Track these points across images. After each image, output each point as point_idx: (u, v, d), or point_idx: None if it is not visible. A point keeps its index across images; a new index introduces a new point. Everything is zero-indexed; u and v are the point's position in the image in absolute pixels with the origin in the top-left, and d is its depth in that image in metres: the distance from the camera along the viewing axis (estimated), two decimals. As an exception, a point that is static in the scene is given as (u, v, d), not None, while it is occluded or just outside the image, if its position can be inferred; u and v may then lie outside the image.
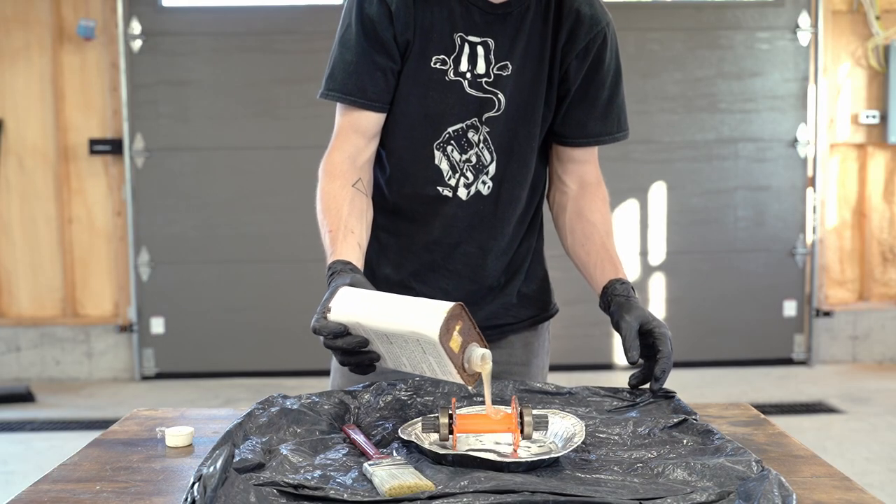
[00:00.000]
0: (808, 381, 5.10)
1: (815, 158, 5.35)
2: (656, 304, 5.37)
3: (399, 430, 1.21)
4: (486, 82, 1.50)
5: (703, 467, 1.07)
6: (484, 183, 1.54)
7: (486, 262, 1.59)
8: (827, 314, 5.41)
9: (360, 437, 1.22)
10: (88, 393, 5.05)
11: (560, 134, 1.58)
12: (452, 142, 1.52)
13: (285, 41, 5.13)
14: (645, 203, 5.33)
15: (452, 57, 1.49)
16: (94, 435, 1.37)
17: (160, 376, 5.29)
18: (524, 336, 1.67)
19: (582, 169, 1.61)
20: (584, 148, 1.59)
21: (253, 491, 1.00)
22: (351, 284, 1.30)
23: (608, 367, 5.35)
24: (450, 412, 1.17)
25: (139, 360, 5.29)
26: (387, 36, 1.46)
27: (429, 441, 1.18)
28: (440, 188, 1.54)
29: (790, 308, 5.43)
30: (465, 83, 1.49)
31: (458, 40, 1.48)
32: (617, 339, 5.58)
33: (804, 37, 5.29)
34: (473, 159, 1.53)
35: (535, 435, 1.22)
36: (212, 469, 0.99)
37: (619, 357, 5.39)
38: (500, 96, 1.50)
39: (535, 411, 1.21)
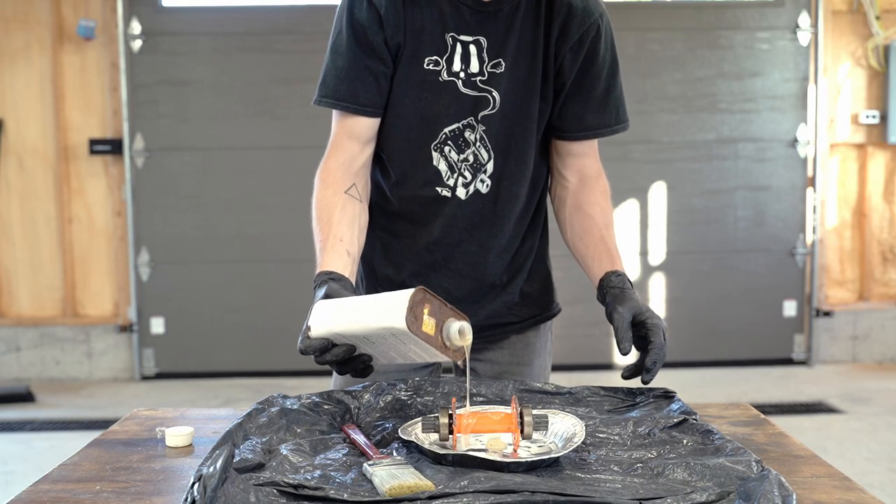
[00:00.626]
0: (808, 381, 5.10)
1: (815, 158, 5.35)
2: (656, 304, 5.37)
3: (399, 430, 1.21)
4: (480, 81, 1.50)
5: (703, 467, 1.07)
6: (482, 181, 1.54)
7: (488, 260, 1.59)
8: (827, 314, 5.41)
9: (360, 437, 1.22)
10: (88, 393, 5.05)
11: (558, 128, 1.58)
12: (450, 142, 1.52)
13: (285, 41, 5.13)
14: (645, 203, 5.33)
15: (445, 57, 1.49)
16: (94, 435, 1.37)
17: (160, 376, 5.29)
18: (526, 336, 1.67)
19: (581, 162, 1.60)
20: (582, 141, 1.58)
21: (253, 491, 1.00)
22: (327, 295, 1.32)
23: (608, 367, 5.35)
24: (450, 412, 1.17)
25: (139, 360, 5.29)
26: (377, 40, 1.47)
27: (429, 441, 1.18)
28: (439, 189, 1.54)
29: (790, 308, 5.43)
30: (460, 83, 1.50)
31: (449, 40, 1.49)
32: (617, 339, 5.57)
33: (804, 37, 5.29)
34: (471, 158, 1.53)
35: (535, 435, 1.22)
36: (212, 469, 0.99)
37: (619, 357, 5.39)
38: (495, 94, 1.50)
39: (535, 411, 1.21)
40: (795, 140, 5.34)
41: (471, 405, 1.33)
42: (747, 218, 5.38)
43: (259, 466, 1.09)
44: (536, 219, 1.64)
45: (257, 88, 5.18)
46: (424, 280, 1.58)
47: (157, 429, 1.33)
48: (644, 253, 5.36)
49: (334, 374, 1.64)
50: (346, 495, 1.01)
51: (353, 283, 1.43)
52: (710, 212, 5.36)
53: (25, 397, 4.83)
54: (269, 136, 5.18)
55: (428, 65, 1.49)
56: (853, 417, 4.38)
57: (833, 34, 5.31)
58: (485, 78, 1.50)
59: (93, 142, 5.16)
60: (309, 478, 1.06)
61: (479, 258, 1.58)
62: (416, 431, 1.20)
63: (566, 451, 1.14)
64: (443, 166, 1.53)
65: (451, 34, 1.48)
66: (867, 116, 5.33)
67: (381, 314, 1.18)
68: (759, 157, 5.35)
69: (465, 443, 1.19)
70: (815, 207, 5.38)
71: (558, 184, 1.63)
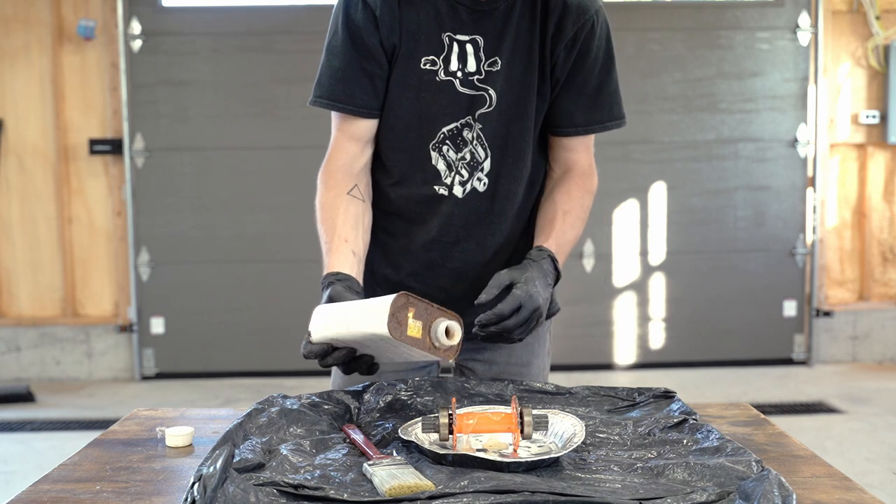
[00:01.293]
0: (808, 381, 5.10)
1: (815, 158, 5.35)
2: (656, 303, 5.37)
3: (399, 430, 1.21)
4: (477, 79, 1.50)
5: (703, 467, 1.07)
6: (479, 180, 1.55)
7: (486, 259, 1.59)
8: (827, 314, 5.41)
9: (359, 437, 1.22)
10: (88, 393, 5.05)
11: (550, 124, 1.58)
12: (448, 141, 1.53)
13: (285, 41, 5.13)
14: (645, 203, 5.33)
15: (442, 57, 1.49)
16: (94, 435, 1.37)
17: (160, 376, 5.29)
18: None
19: (570, 157, 1.59)
20: (573, 137, 1.58)
21: (253, 491, 1.00)
22: (330, 298, 1.35)
23: (608, 367, 5.35)
24: (450, 412, 1.17)
25: (139, 360, 5.29)
26: (373, 42, 1.48)
27: (429, 441, 1.18)
28: (437, 187, 1.55)
29: (790, 308, 5.43)
30: (457, 82, 1.50)
31: (446, 40, 1.49)
32: (617, 338, 5.60)
33: (804, 37, 5.29)
34: (468, 157, 1.54)
35: (535, 435, 1.22)
36: (212, 469, 0.99)
37: (620, 357, 5.39)
38: (492, 92, 1.51)
39: (534, 411, 1.21)
40: (795, 140, 5.34)
41: (470, 405, 1.33)
42: (747, 218, 5.37)
43: (259, 466, 1.09)
44: (534, 217, 1.64)
45: (257, 88, 5.18)
46: (423, 279, 1.58)
47: (157, 429, 1.33)
48: (644, 253, 5.36)
49: (333, 373, 1.64)
50: (346, 495, 1.01)
51: (360, 283, 1.43)
52: (710, 212, 5.36)
53: (25, 397, 4.83)
54: (269, 136, 5.17)
55: (425, 65, 1.49)
56: (853, 417, 4.38)
57: (833, 34, 5.31)
58: (482, 76, 1.50)
59: (93, 142, 5.16)
60: (309, 478, 1.06)
61: (477, 256, 1.58)
62: (416, 431, 1.20)
63: (566, 451, 1.14)
64: (441, 165, 1.54)
65: (448, 33, 1.49)
66: (867, 116, 5.33)
67: (366, 321, 1.20)
68: (759, 157, 5.35)
69: (465, 443, 1.19)
70: (815, 207, 5.38)
71: (548, 176, 1.64)
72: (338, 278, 1.40)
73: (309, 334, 1.29)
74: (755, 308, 5.39)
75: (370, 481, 1.07)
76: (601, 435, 1.25)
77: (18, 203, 5.22)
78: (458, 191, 1.55)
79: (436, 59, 1.49)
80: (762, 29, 5.30)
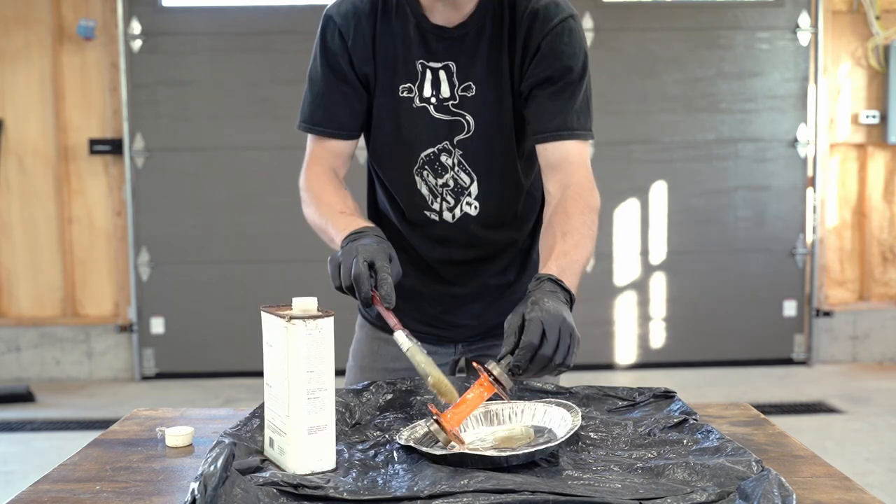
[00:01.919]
0: (808, 381, 5.10)
1: (815, 158, 5.35)
2: (657, 303, 5.38)
3: (396, 437, 1.21)
4: (452, 105, 1.51)
5: (703, 467, 1.07)
6: (469, 204, 1.56)
7: (493, 269, 1.62)
8: (827, 314, 5.41)
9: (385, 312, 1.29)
10: (88, 393, 5.05)
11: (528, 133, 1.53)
12: (427, 167, 1.54)
13: (285, 41, 5.13)
14: (645, 203, 5.33)
15: (417, 84, 1.51)
16: (94, 435, 1.37)
17: (160, 376, 5.29)
18: None
19: (561, 175, 1.48)
20: (554, 143, 1.47)
21: (253, 491, 1.00)
22: (368, 245, 1.33)
23: (608, 366, 5.35)
24: (435, 418, 1.17)
25: (139, 360, 5.29)
26: (347, 68, 1.51)
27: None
28: (427, 212, 1.57)
29: (790, 308, 5.43)
30: (431, 108, 1.51)
31: (419, 67, 1.50)
32: (617, 338, 5.59)
33: (804, 37, 5.29)
34: (451, 183, 1.54)
35: (532, 420, 1.23)
36: (212, 468, 0.99)
37: (620, 357, 5.39)
38: (469, 118, 1.51)
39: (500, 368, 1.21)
40: (795, 140, 5.34)
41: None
42: (747, 218, 5.37)
43: (259, 467, 1.10)
44: (542, 218, 1.63)
45: (257, 88, 5.18)
46: (432, 289, 1.61)
47: (157, 429, 1.33)
48: (644, 253, 5.36)
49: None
50: (345, 495, 1.01)
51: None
52: (710, 212, 5.36)
53: (25, 397, 4.83)
54: (269, 136, 5.17)
55: (402, 92, 1.51)
56: (853, 417, 4.38)
57: (833, 34, 5.31)
58: (456, 102, 1.50)
59: (93, 142, 5.16)
60: (309, 478, 1.06)
61: (482, 267, 1.62)
62: (413, 437, 1.20)
63: (565, 437, 1.14)
64: (425, 190, 1.56)
65: (421, 61, 1.50)
66: (867, 116, 5.33)
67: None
68: (759, 157, 5.35)
69: (472, 435, 1.20)
70: (815, 207, 5.38)
71: (547, 203, 1.53)
72: (362, 232, 1.38)
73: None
74: (755, 308, 5.39)
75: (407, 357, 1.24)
76: (601, 435, 1.25)
77: (18, 203, 5.22)
78: (447, 216, 1.57)
79: (412, 86, 1.51)
80: (762, 29, 5.30)
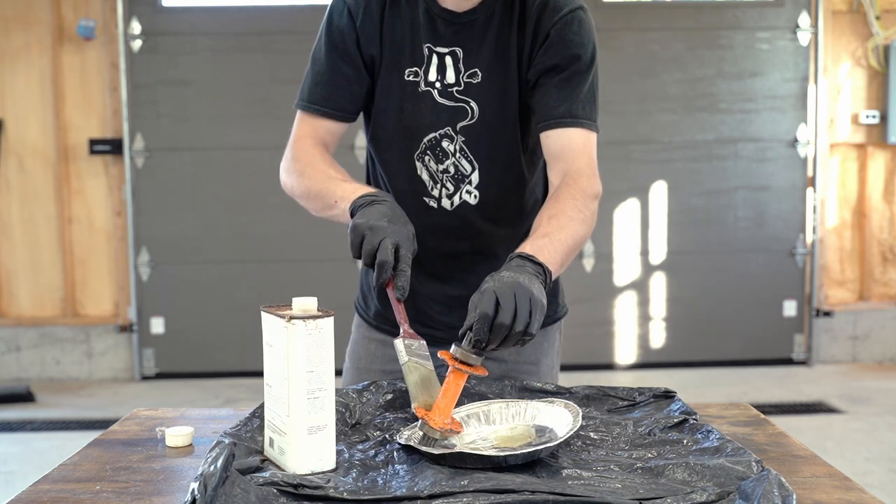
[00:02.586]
0: (808, 381, 5.10)
1: (815, 158, 5.35)
2: (657, 303, 5.37)
3: (396, 436, 1.21)
4: (457, 91, 1.50)
5: (703, 467, 1.07)
6: (469, 192, 1.55)
7: (492, 267, 1.59)
8: (827, 314, 5.41)
9: (397, 306, 1.31)
10: (88, 393, 5.05)
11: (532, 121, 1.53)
12: (428, 152, 1.53)
13: (285, 41, 5.13)
14: (645, 203, 5.33)
15: (423, 68, 1.50)
16: (94, 435, 1.37)
17: (160, 376, 5.29)
18: None
19: (563, 164, 1.47)
20: (556, 130, 1.46)
21: (253, 491, 1.00)
22: (385, 212, 1.32)
23: (609, 366, 5.35)
24: (423, 420, 1.17)
25: (139, 360, 5.29)
26: (353, 48, 1.50)
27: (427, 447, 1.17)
28: (426, 199, 1.56)
29: (790, 308, 5.43)
30: (435, 93, 1.50)
31: (426, 51, 1.50)
32: (617, 338, 5.59)
33: (804, 37, 5.29)
34: (451, 170, 1.53)
35: (534, 420, 1.23)
36: (212, 468, 0.99)
37: (620, 357, 5.39)
38: (473, 105, 1.50)
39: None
40: (795, 140, 5.34)
41: (470, 403, 1.33)
42: (747, 218, 5.38)
43: (259, 467, 1.10)
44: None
45: (257, 88, 5.18)
46: (428, 288, 1.58)
47: (157, 429, 1.33)
48: (644, 252, 5.36)
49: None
50: (345, 495, 1.01)
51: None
52: (710, 212, 5.36)
53: (25, 397, 4.83)
54: (269, 136, 5.17)
55: (408, 76, 1.51)
56: (853, 417, 4.38)
57: (833, 34, 5.31)
58: (461, 88, 1.50)
59: (93, 142, 5.17)
60: (309, 477, 1.06)
61: (482, 264, 1.58)
62: (413, 437, 1.20)
63: (566, 437, 1.14)
64: (425, 176, 1.54)
65: (428, 45, 1.50)
66: (867, 116, 5.33)
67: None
68: (759, 157, 5.35)
69: (474, 434, 1.20)
70: (815, 207, 5.38)
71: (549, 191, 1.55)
72: (374, 197, 1.36)
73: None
74: (755, 308, 5.39)
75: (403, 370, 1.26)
76: (601, 435, 1.25)
77: (18, 203, 5.22)
78: (446, 203, 1.55)
79: (418, 70, 1.50)
80: (762, 29, 5.30)
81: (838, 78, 5.34)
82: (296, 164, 1.54)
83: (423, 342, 1.33)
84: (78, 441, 3.73)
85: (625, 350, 5.38)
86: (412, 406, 1.24)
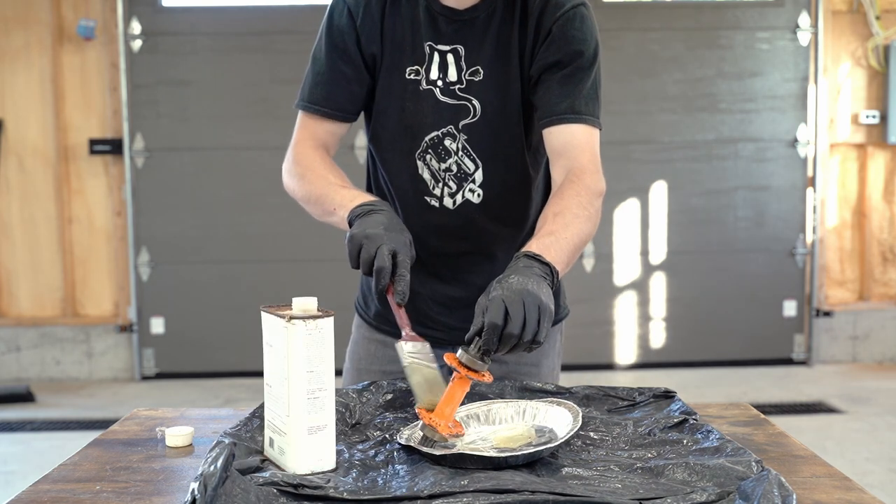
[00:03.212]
0: (808, 381, 5.10)
1: (815, 158, 5.35)
2: (657, 303, 5.37)
3: (396, 436, 1.21)
4: (459, 89, 1.49)
5: (703, 467, 1.07)
6: (472, 191, 1.54)
7: (495, 267, 1.58)
8: (827, 314, 5.41)
9: (399, 310, 1.32)
10: (88, 393, 5.05)
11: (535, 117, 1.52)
12: (430, 150, 1.53)
13: (285, 41, 5.13)
14: (645, 203, 5.33)
15: (424, 66, 1.50)
16: (94, 435, 1.37)
17: (160, 376, 5.29)
18: None
19: (565, 161, 1.46)
20: (558, 126, 1.45)
21: (253, 491, 1.00)
22: (383, 220, 1.33)
23: (609, 366, 5.35)
24: (430, 427, 1.17)
25: (139, 360, 5.29)
26: (353, 48, 1.50)
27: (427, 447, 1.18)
28: (427, 198, 1.55)
29: (790, 308, 5.43)
30: (437, 91, 1.50)
31: (427, 49, 1.49)
32: (617, 338, 5.59)
33: (804, 37, 5.29)
34: (454, 168, 1.53)
35: (534, 420, 1.23)
36: (212, 468, 0.99)
37: (620, 357, 5.39)
38: (475, 102, 1.50)
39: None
40: (795, 140, 5.34)
41: (469, 402, 1.33)
42: (747, 218, 5.38)
43: (259, 467, 1.10)
44: None
45: (257, 88, 5.18)
46: (428, 289, 1.58)
47: (157, 429, 1.33)
48: (644, 252, 5.36)
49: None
50: (345, 495, 1.01)
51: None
52: (710, 212, 5.36)
53: (25, 397, 4.83)
54: (269, 136, 5.17)
55: (409, 74, 1.50)
56: (853, 417, 4.38)
57: (833, 34, 5.31)
58: (463, 86, 1.49)
59: (93, 142, 5.17)
60: (309, 477, 1.06)
61: (484, 265, 1.58)
62: (413, 437, 1.20)
63: (566, 437, 1.14)
64: (427, 175, 1.54)
65: (429, 43, 1.49)
66: (867, 116, 5.33)
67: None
68: (759, 157, 5.35)
69: (474, 435, 1.20)
70: (815, 207, 5.38)
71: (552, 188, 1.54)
72: (373, 206, 1.36)
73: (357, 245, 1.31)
74: (755, 308, 5.39)
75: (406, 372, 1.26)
76: (601, 435, 1.25)
77: (18, 203, 5.22)
78: (448, 202, 1.54)
79: (419, 68, 1.50)
80: (762, 29, 5.30)
81: (838, 78, 5.35)
82: (297, 168, 1.54)
83: (427, 344, 1.32)
84: (78, 441, 3.74)
85: (625, 350, 5.38)
86: (416, 407, 1.24)
